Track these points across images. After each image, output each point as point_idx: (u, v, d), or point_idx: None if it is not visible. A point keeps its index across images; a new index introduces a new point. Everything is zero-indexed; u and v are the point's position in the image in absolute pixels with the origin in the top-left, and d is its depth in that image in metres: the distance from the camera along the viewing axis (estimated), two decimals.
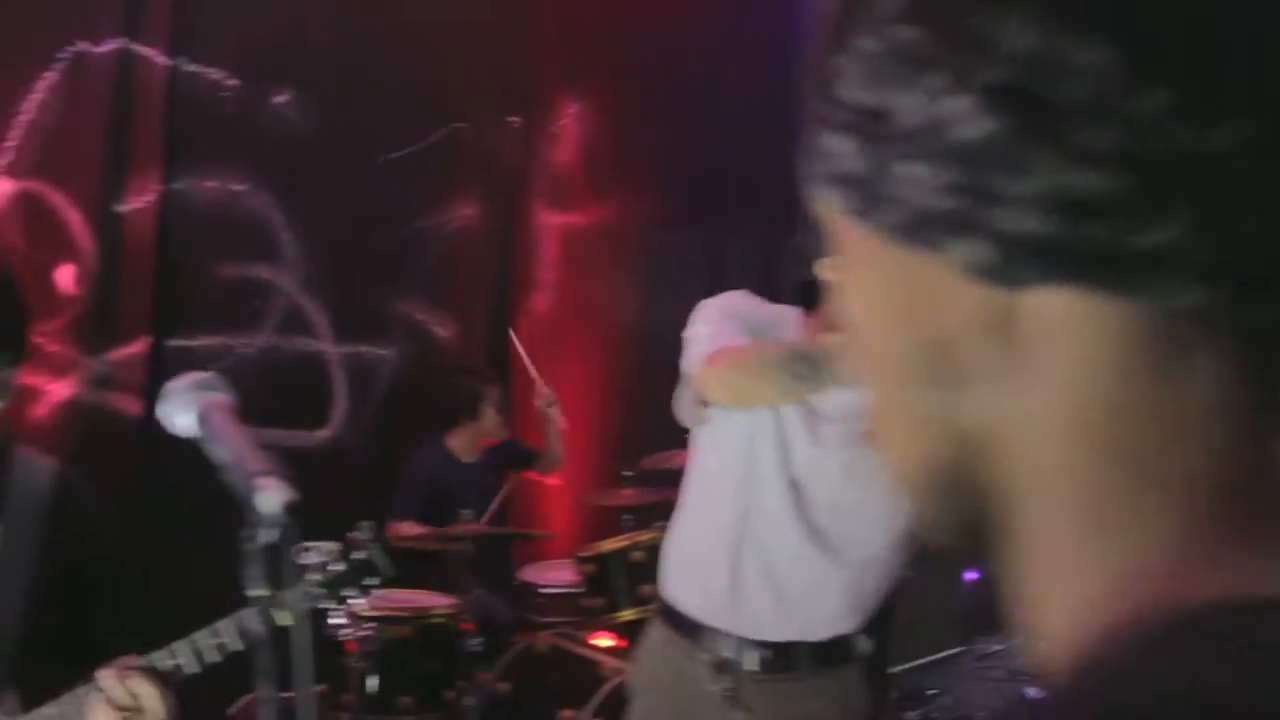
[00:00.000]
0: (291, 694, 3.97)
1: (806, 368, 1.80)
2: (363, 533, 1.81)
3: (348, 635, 3.74)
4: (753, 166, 6.46)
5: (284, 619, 1.34)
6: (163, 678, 2.17)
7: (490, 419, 4.81)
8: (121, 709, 1.95)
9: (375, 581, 1.93)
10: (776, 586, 2.15)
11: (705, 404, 2.15)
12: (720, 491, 2.25)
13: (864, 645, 2.26)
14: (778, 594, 2.15)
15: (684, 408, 2.21)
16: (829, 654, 2.20)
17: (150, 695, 2.16)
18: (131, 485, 4.51)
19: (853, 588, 2.18)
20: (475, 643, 3.87)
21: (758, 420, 2.16)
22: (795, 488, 2.14)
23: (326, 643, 3.86)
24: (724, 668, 2.14)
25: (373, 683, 3.80)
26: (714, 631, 2.17)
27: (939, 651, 6.13)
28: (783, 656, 2.16)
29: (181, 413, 1.31)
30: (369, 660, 3.76)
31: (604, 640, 4.27)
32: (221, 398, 1.32)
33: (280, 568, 1.18)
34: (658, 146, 5.96)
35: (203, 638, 2.02)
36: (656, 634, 2.31)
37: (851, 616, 2.21)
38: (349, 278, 5.07)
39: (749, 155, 6.44)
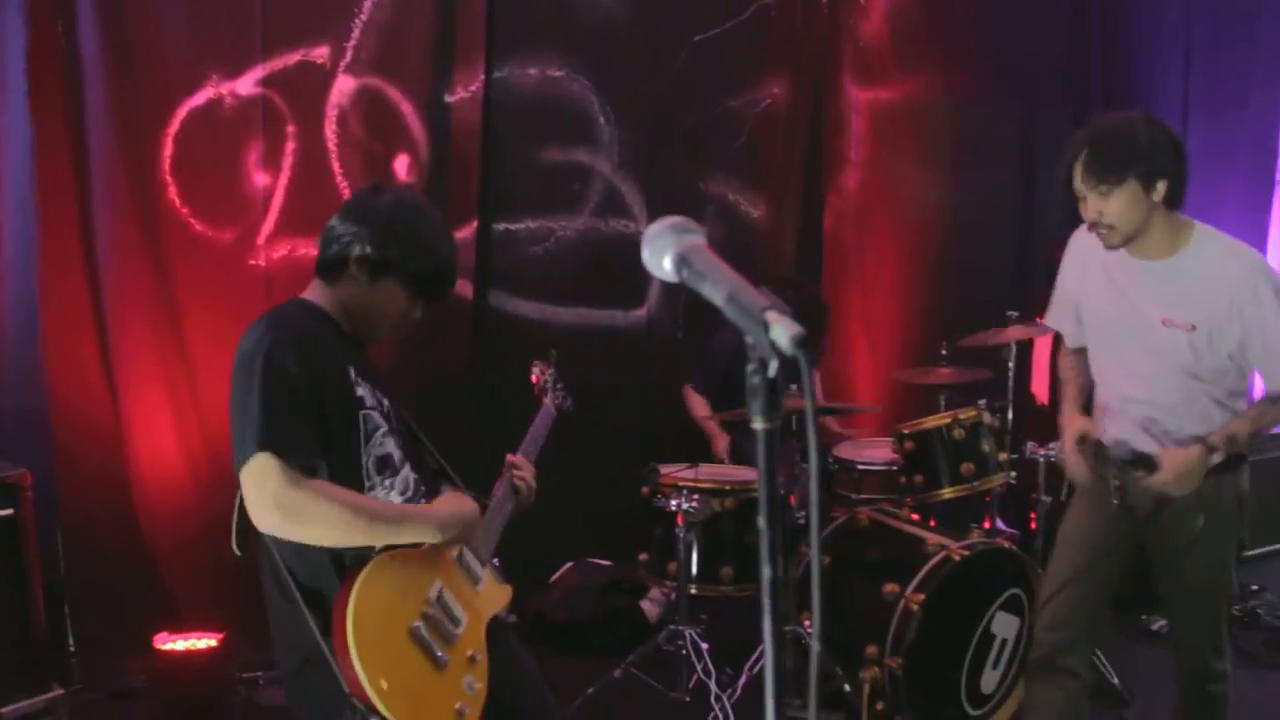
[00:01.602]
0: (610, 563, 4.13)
1: None
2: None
3: (675, 507, 3.89)
4: (1063, 41, 6.14)
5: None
6: None
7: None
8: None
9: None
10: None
11: None
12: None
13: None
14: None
15: None
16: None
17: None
18: (464, 363, 4.80)
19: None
20: (798, 516, 3.94)
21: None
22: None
23: (655, 512, 4.05)
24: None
25: (696, 552, 3.94)
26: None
27: (1264, 547, 5.84)
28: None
29: (664, 255, 1.33)
30: (693, 531, 3.89)
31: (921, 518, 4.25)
32: (700, 238, 1.34)
33: (779, 398, 1.21)
34: (967, 19, 5.72)
35: None
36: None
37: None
38: (662, 159, 5.15)
39: (1060, 29, 6.11)
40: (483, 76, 4.72)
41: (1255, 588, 5.29)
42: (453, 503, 2.42)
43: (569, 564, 4.81)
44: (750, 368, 1.21)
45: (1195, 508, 2.90)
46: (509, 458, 2.78)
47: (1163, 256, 2.85)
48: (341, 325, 2.43)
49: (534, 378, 3.25)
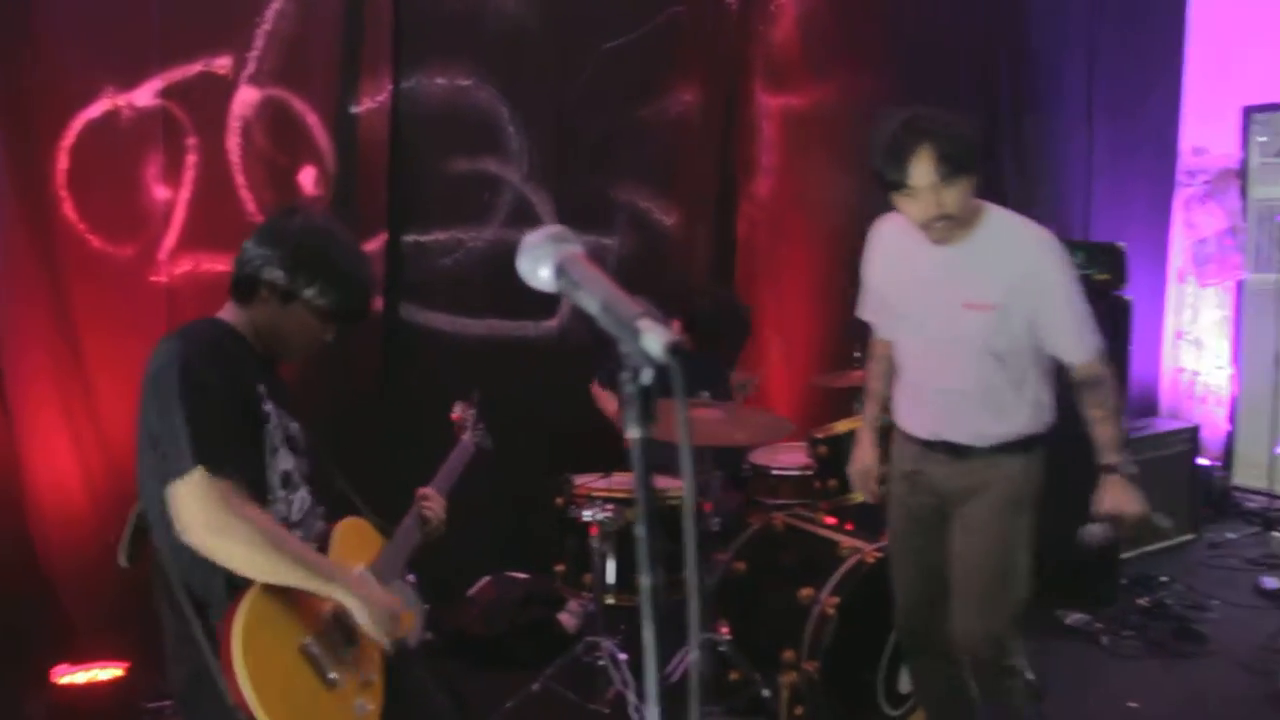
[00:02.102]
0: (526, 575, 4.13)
1: None
2: None
3: (589, 517, 3.87)
4: (971, 46, 6.23)
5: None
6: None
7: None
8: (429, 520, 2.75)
9: None
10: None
11: None
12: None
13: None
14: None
15: None
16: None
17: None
18: (375, 375, 4.73)
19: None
20: (713, 523, 3.94)
21: None
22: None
23: (569, 524, 4.02)
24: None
25: (612, 563, 3.92)
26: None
27: (1169, 540, 5.99)
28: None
29: (541, 265, 1.33)
30: (608, 541, 3.87)
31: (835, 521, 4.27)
32: (578, 248, 1.34)
33: (652, 408, 1.20)
34: (877, 25, 5.79)
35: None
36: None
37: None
38: (572, 168, 5.13)
39: (968, 34, 6.20)
40: (390, 86, 4.66)
41: (1164, 579, 5.41)
42: (377, 590, 2.41)
43: (486, 578, 4.76)
44: (624, 375, 1.20)
45: (984, 488, 3.06)
46: (419, 491, 2.81)
47: (960, 241, 2.93)
48: (253, 345, 2.45)
49: (454, 415, 3.31)
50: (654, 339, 1.18)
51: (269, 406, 2.39)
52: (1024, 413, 3.07)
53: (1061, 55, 6.53)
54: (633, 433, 1.22)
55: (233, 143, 4.35)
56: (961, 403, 3.04)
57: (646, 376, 1.20)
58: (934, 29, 5.98)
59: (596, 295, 1.26)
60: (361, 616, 2.28)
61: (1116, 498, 3.05)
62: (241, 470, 2.21)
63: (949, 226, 2.86)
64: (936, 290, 2.99)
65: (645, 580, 1.23)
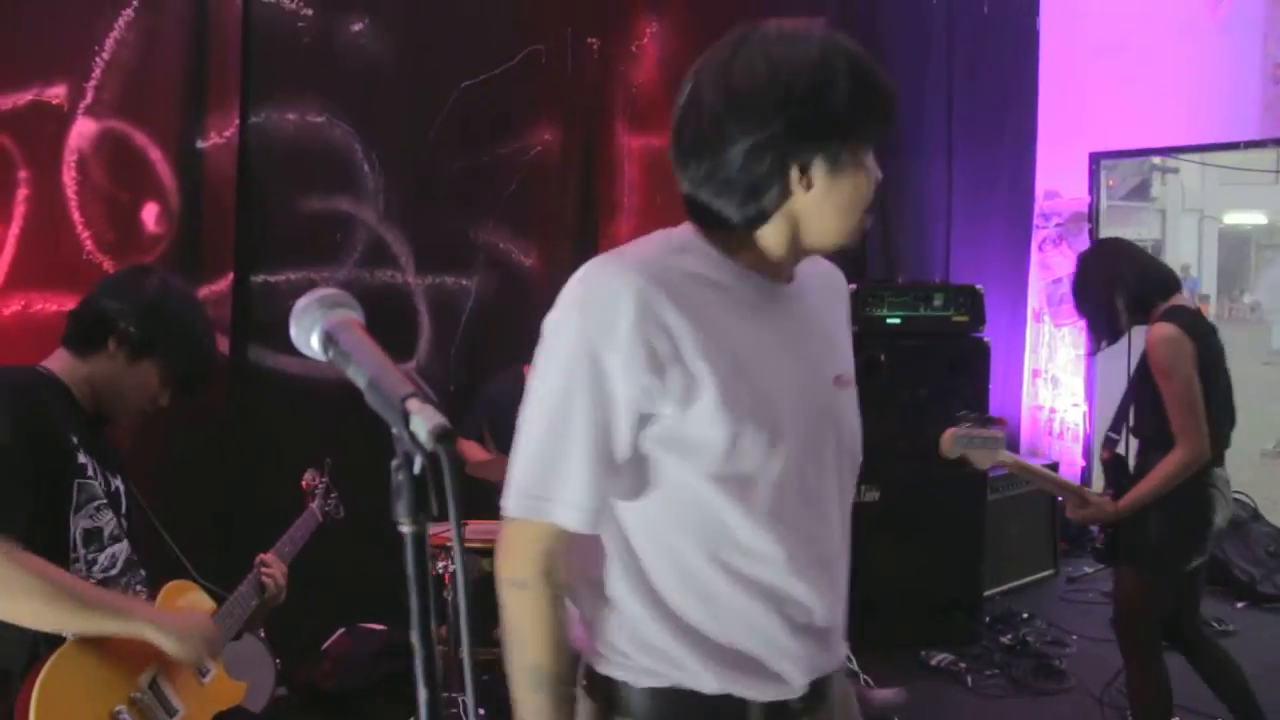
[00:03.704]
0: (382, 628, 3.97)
1: None
2: None
3: (442, 569, 3.74)
4: None
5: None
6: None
7: None
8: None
9: None
10: None
11: None
12: None
13: None
14: None
15: None
16: None
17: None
18: (221, 420, 4.53)
19: None
20: None
21: None
22: None
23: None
24: None
25: (466, 615, 3.78)
26: None
27: (1029, 576, 6.10)
28: None
29: (311, 333, 1.21)
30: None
31: None
32: (351, 314, 1.22)
33: (427, 498, 1.08)
34: None
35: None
36: None
37: None
38: (430, 208, 5.01)
39: None
40: (237, 121, 4.50)
41: (1025, 615, 5.48)
42: (179, 613, 2.34)
43: (340, 630, 4.58)
44: (395, 463, 1.09)
45: None
46: (259, 557, 2.71)
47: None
48: (79, 398, 2.34)
49: (304, 483, 3.18)
50: (423, 422, 1.07)
51: (81, 461, 2.26)
52: None
53: (920, 100, 6.65)
54: (405, 527, 1.11)
55: (68, 177, 4.15)
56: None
57: (417, 464, 1.09)
58: None
59: (365, 370, 1.15)
60: (168, 645, 2.15)
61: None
62: (16, 525, 2.06)
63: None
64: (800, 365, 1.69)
65: (422, 694, 1.11)
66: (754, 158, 1.53)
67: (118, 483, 2.39)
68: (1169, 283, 3.57)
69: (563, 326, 1.53)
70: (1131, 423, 3.59)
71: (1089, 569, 6.35)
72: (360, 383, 1.14)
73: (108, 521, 2.31)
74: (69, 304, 3.82)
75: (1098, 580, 6.20)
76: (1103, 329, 3.62)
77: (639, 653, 1.59)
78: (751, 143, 1.52)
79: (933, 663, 4.89)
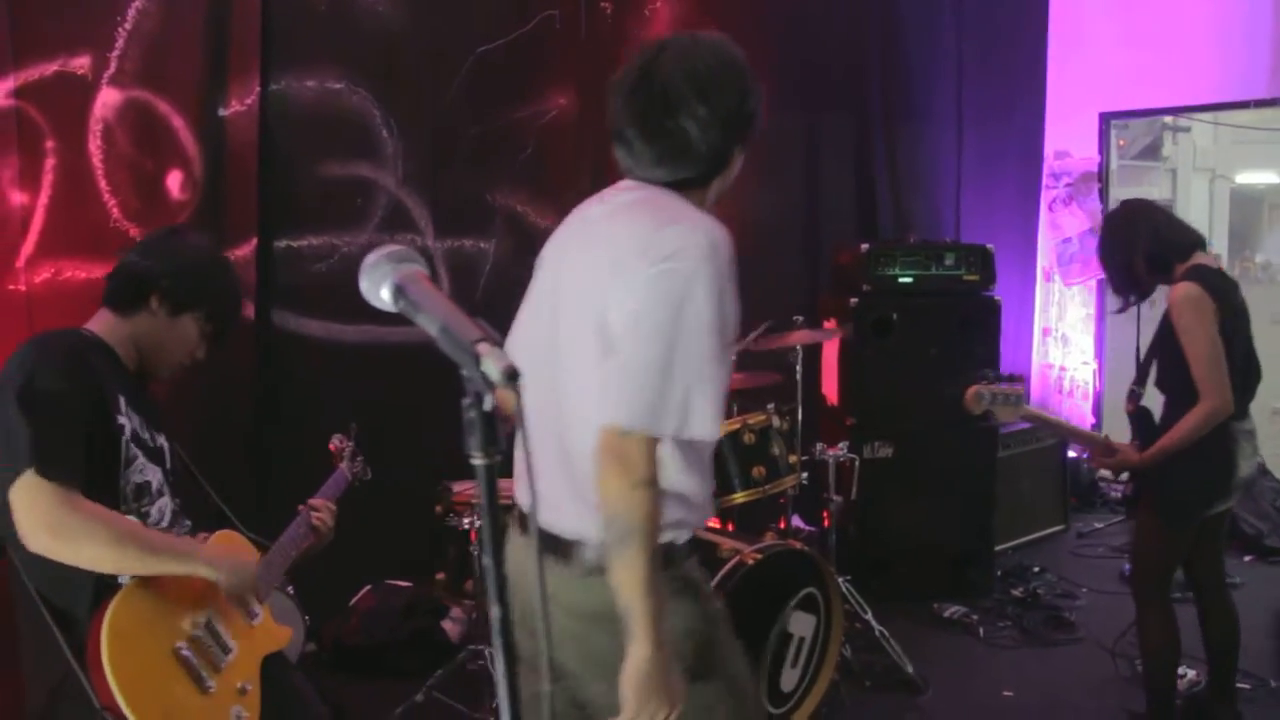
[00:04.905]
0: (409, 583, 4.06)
1: None
2: None
3: (468, 525, 3.83)
4: (843, 54, 6.34)
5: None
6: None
7: None
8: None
9: None
10: None
11: None
12: None
13: None
14: None
15: None
16: None
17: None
18: (248, 382, 4.62)
19: None
20: None
21: None
22: None
23: (449, 532, 3.97)
24: None
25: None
26: None
27: (1040, 531, 6.19)
28: None
29: (381, 286, 1.31)
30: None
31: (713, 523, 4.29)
32: (418, 268, 1.32)
33: (496, 432, 1.18)
34: (751, 29, 5.83)
35: None
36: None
37: None
38: (448, 172, 5.08)
39: (842, 33, 6.32)
40: (258, 89, 4.56)
41: (1036, 569, 5.57)
42: (228, 548, 2.45)
43: (367, 587, 4.68)
44: (466, 401, 1.19)
45: None
46: (310, 501, 2.83)
47: None
48: (122, 358, 2.44)
49: (332, 446, 3.27)
50: (493, 363, 1.17)
51: (129, 419, 2.36)
52: None
53: (932, 67, 6.67)
54: (477, 459, 1.20)
55: (94, 146, 4.22)
56: None
57: (488, 402, 1.19)
58: (807, 39, 6.07)
59: (436, 318, 1.25)
60: (224, 580, 2.29)
61: None
62: (79, 475, 2.18)
63: None
64: None
65: (496, 611, 1.21)
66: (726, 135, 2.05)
67: (161, 439, 2.49)
68: (1191, 242, 3.65)
69: (698, 273, 1.87)
70: (1155, 377, 3.67)
71: (1099, 524, 6.45)
72: (432, 330, 1.23)
73: (155, 476, 2.41)
74: (98, 271, 3.96)
75: (1107, 535, 6.30)
76: (1128, 287, 3.70)
77: (686, 514, 2.00)
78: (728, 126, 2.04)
79: (946, 615, 4.98)
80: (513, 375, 1.16)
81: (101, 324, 2.47)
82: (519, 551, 2.06)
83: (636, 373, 1.83)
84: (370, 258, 1.33)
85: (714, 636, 2.09)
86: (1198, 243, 3.66)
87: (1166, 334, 3.54)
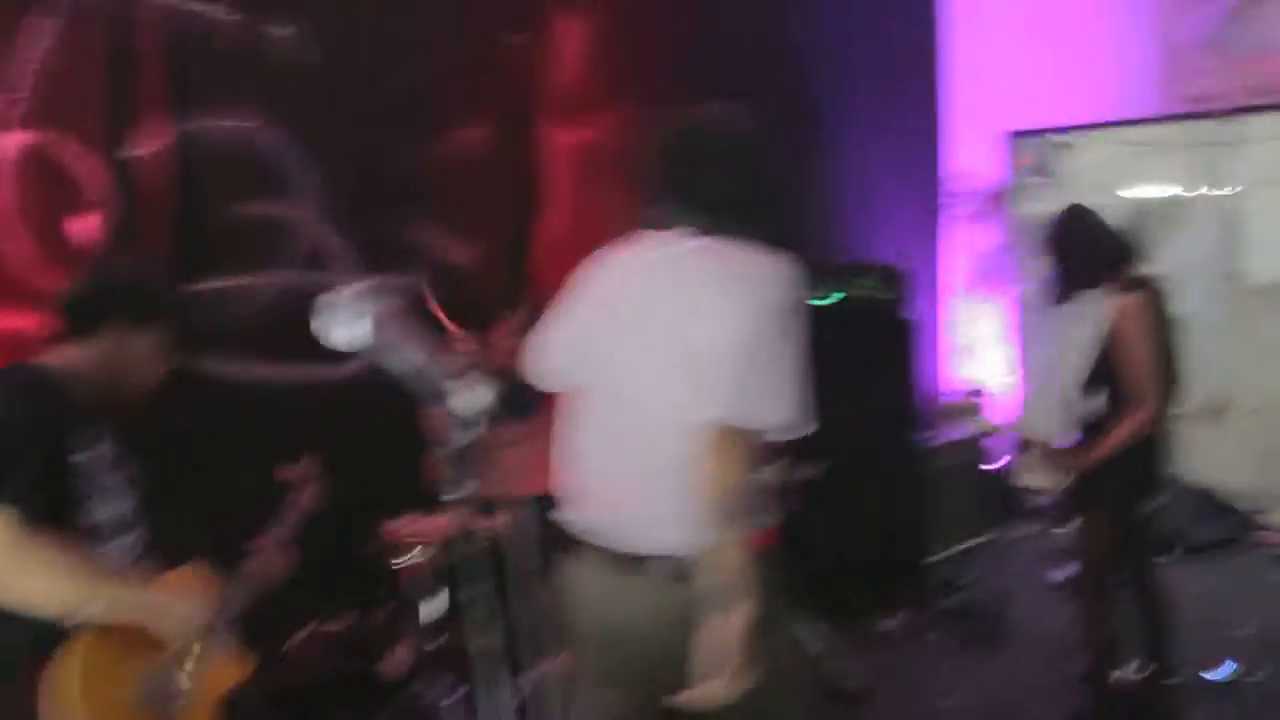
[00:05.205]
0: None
1: None
2: None
3: (401, 563, 3.83)
4: (761, 64, 6.44)
5: None
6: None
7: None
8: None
9: None
10: None
11: None
12: None
13: None
14: None
15: None
16: None
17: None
18: (162, 430, 4.51)
19: None
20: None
21: None
22: None
23: (382, 571, 3.92)
24: None
25: (427, 606, 3.87)
26: None
27: (970, 540, 6.28)
28: None
29: (349, 324, 1.28)
30: (422, 586, 3.81)
31: None
32: (394, 303, 1.31)
33: (474, 469, 1.19)
34: (664, 54, 5.91)
35: None
36: None
37: None
38: (366, 209, 5.03)
39: (758, 52, 6.41)
40: (169, 129, 4.48)
41: (967, 579, 5.67)
42: (173, 592, 2.42)
43: (303, 630, 4.58)
44: (451, 434, 1.19)
45: None
46: (259, 540, 2.89)
47: None
48: (85, 389, 2.41)
49: (283, 475, 3.31)
50: (465, 399, 1.17)
51: (86, 453, 2.32)
52: None
53: (829, 85, 6.80)
54: (450, 494, 1.21)
55: (4, 192, 4.11)
56: None
57: (464, 437, 1.19)
58: (720, 53, 6.13)
59: (412, 355, 1.24)
60: (175, 625, 2.28)
61: None
62: (29, 507, 2.13)
63: None
64: None
65: (480, 643, 1.22)
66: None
67: (131, 470, 2.49)
68: (1126, 252, 3.84)
69: (778, 299, 2.39)
70: (1091, 383, 3.83)
71: (1020, 534, 6.57)
72: (400, 370, 1.22)
73: (115, 511, 2.38)
74: (12, 320, 3.85)
75: (1029, 543, 6.43)
76: (1074, 284, 3.87)
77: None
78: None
79: (880, 628, 5.04)
80: (488, 413, 1.17)
81: (59, 357, 2.44)
82: (591, 572, 2.24)
83: (743, 377, 2.20)
84: (335, 296, 1.32)
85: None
86: (1133, 252, 3.85)
87: (1105, 342, 3.71)
